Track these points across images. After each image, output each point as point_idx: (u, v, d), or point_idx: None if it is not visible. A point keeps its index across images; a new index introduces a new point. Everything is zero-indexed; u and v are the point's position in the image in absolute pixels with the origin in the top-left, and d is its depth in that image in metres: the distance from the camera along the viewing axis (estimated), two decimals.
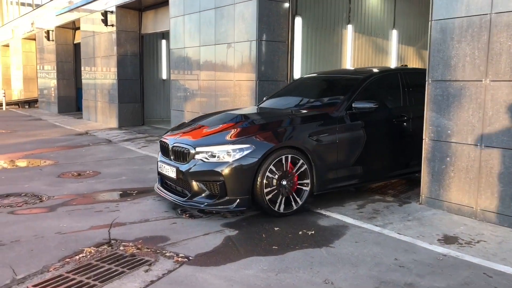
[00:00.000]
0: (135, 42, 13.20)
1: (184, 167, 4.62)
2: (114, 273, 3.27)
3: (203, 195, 4.55)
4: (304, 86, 6.38)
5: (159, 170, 5.12)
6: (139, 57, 13.31)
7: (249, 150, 4.44)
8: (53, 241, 3.89)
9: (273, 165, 4.49)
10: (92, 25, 14.61)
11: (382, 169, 5.48)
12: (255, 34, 7.47)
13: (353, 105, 5.07)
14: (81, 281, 3.13)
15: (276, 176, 4.52)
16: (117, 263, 3.45)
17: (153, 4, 12.38)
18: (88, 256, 3.57)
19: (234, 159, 4.40)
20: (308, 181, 4.73)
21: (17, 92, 27.15)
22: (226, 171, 4.39)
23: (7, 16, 30.52)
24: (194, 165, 4.55)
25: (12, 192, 5.59)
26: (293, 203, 4.67)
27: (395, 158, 5.57)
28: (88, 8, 14.61)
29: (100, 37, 14.00)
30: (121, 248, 3.74)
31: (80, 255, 3.57)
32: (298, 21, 10.70)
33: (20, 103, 24.48)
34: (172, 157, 4.87)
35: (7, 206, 4.97)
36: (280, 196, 4.58)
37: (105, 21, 12.94)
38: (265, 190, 4.46)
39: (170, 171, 4.82)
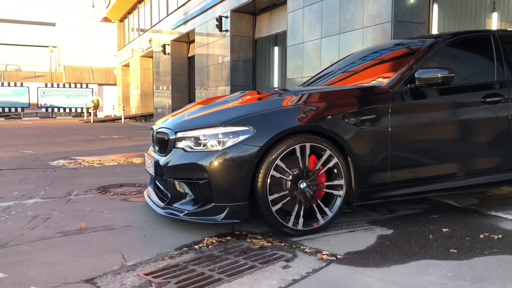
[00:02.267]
0: (249, 47, 12.92)
1: (162, 161, 3.28)
2: (243, 267, 2.54)
3: (185, 199, 3.21)
4: (358, 59, 4.56)
5: (145, 166, 3.84)
6: (252, 63, 12.99)
7: (246, 134, 2.99)
8: (168, 228, 3.30)
9: (282, 159, 3.02)
10: (206, 34, 14.69)
11: (462, 174, 3.60)
12: (390, 15, 6.52)
13: (416, 75, 3.37)
14: (202, 273, 2.44)
15: (289, 175, 3.07)
16: (244, 256, 2.72)
17: (267, 6, 12.01)
18: (210, 246, 2.90)
19: (224, 147, 3.00)
20: (341, 182, 3.18)
21: (135, 109, 28.82)
22: (212, 165, 2.98)
23: (128, 38, 32.84)
24: (173, 157, 3.20)
25: (126, 182, 5.24)
26: (318, 215, 3.13)
27: (482, 157, 3.68)
28: (202, 17, 14.75)
29: (213, 44, 13.99)
30: (248, 240, 3.02)
31: (200, 245, 2.92)
32: (435, 8, 9.51)
33: (137, 117, 25.91)
34: (156, 147, 3.57)
35: (120, 194, 4.58)
36: (297, 206, 3.09)
37: (219, 27, 12.86)
38: (270, 197, 3.01)
39: (150, 167, 3.50)
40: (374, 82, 3.65)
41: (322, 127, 3.12)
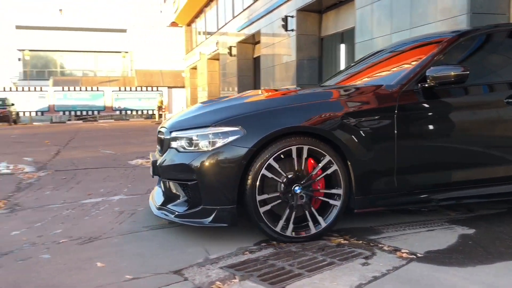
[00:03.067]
0: (315, 46, 12.88)
1: (159, 161, 3.24)
2: (322, 263, 2.58)
3: (178, 200, 3.17)
4: (374, 58, 4.27)
5: None
6: (318, 62, 12.94)
7: (236, 135, 2.90)
8: (246, 224, 3.39)
9: (274, 160, 2.88)
10: (272, 34, 14.82)
11: (482, 181, 3.28)
12: (465, 7, 6.26)
13: (427, 73, 3.11)
14: (283, 268, 2.51)
15: (282, 177, 2.93)
16: (322, 252, 2.76)
17: (334, 4, 11.91)
18: (287, 243, 2.95)
19: (213, 147, 2.92)
20: (339, 191, 2.99)
21: None
22: (200, 166, 2.91)
23: (195, 41, 33.78)
24: (167, 157, 3.15)
25: None
26: (310, 224, 2.96)
27: (506, 164, 3.32)
28: (268, 17, 14.89)
29: (279, 44, 14.08)
30: (324, 237, 3.04)
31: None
32: None
33: None
34: (158, 147, 3.51)
35: None
36: (287, 210, 2.94)
37: (285, 26, 12.93)
38: (259, 198, 2.90)
39: (150, 166, 3.47)
40: (383, 81, 3.44)
41: (317, 128, 2.96)
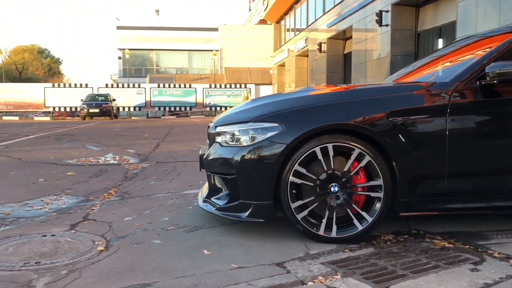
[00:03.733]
0: (410, 41, 12.40)
1: (205, 155, 3.28)
2: (427, 266, 2.50)
3: (221, 193, 3.20)
4: (449, 48, 3.92)
5: None
6: (413, 57, 12.43)
7: (274, 131, 2.88)
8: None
9: (309, 159, 2.86)
10: (364, 30, 14.48)
11: None
12: None
13: (486, 69, 2.84)
14: (385, 267, 2.47)
15: (319, 176, 2.87)
16: (426, 255, 2.68)
17: None
18: (388, 243, 2.91)
19: (252, 143, 2.92)
20: (379, 182, 2.86)
21: None
22: (238, 160, 2.93)
23: (284, 39, 33.97)
24: (212, 152, 3.19)
25: None
26: (355, 221, 2.87)
27: None
28: (360, 12, 14.58)
29: (372, 40, 13.73)
30: (427, 240, 2.95)
31: (378, 240, 2.95)
32: None
33: None
34: (208, 142, 3.49)
35: None
36: (327, 211, 2.88)
37: (379, 22, 12.59)
38: (291, 179, 2.87)
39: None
40: (440, 77, 3.21)
41: (358, 126, 2.85)
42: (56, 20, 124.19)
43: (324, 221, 2.89)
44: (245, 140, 2.98)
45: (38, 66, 65.92)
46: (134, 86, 32.28)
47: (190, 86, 32.87)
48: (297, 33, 28.10)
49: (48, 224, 3.38)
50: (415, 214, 2.97)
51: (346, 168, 2.90)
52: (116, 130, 15.10)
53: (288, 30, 31.96)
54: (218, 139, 3.16)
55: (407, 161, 2.89)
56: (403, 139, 2.87)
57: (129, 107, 31.46)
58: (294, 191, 2.91)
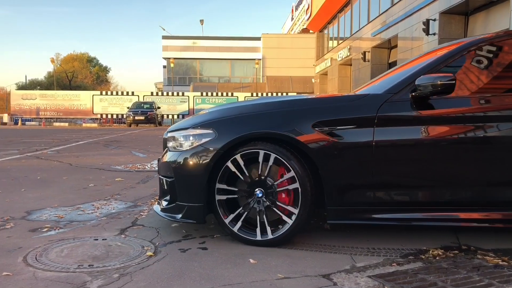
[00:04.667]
0: None
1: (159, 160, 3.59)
2: (480, 284, 2.43)
3: (167, 196, 3.36)
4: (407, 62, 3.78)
5: None
6: None
7: (208, 137, 3.07)
8: (390, 235, 3.34)
9: (238, 164, 3.02)
10: (410, 39, 14.22)
11: (477, 204, 2.95)
12: None
13: (416, 82, 2.87)
14: (435, 283, 2.42)
15: (247, 176, 3.04)
16: (478, 272, 2.59)
17: (483, 5, 11.02)
18: (437, 258, 2.84)
19: (188, 148, 3.14)
20: (295, 210, 2.96)
21: None
22: (176, 165, 3.16)
23: (326, 47, 33.81)
24: (163, 156, 3.43)
25: None
26: (257, 230, 3.01)
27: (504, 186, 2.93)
28: (406, 21, 14.33)
29: (418, 49, 13.46)
30: (479, 256, 2.86)
31: (426, 255, 2.88)
32: None
33: None
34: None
35: None
36: (241, 207, 3.06)
37: (426, 30, 12.33)
38: (219, 186, 3.06)
39: None
40: (376, 89, 3.24)
41: (283, 134, 2.96)
42: (105, 29, 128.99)
43: (240, 222, 3.06)
44: (184, 145, 3.20)
45: (87, 74, 68.51)
46: (178, 95, 32.96)
47: (232, 95, 33.25)
48: (340, 42, 27.92)
49: (99, 228, 3.50)
50: (342, 223, 3.04)
51: (273, 176, 3.04)
52: (161, 138, 15.42)
53: (331, 39, 31.81)
54: (168, 144, 3.36)
55: (333, 171, 2.95)
56: (329, 149, 2.94)
57: (173, 115, 32.16)
58: (225, 196, 3.09)
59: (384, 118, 2.93)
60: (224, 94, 33.47)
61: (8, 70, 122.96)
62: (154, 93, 33.92)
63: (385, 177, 2.97)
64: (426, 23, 12.28)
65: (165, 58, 50.74)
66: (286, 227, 2.98)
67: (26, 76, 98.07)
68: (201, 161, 3.07)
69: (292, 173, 2.95)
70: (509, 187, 2.96)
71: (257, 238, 3.02)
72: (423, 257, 2.84)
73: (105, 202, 4.46)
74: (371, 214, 2.99)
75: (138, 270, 2.58)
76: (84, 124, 31.56)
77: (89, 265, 2.64)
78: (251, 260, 2.75)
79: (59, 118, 32.66)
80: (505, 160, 2.93)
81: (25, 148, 11.24)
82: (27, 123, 31.87)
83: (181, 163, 3.15)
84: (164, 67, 53.04)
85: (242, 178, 3.06)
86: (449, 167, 2.97)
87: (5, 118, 33.59)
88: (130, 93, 32.85)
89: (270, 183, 3.04)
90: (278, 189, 3.03)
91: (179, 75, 51.83)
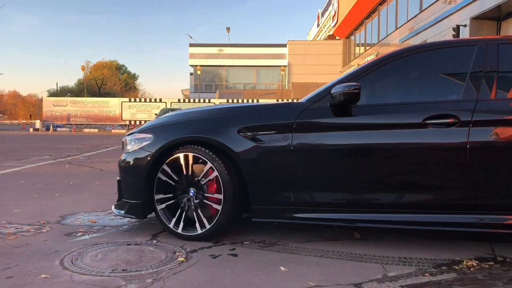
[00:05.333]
0: None
1: None
2: None
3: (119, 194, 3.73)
4: None
5: None
6: None
7: (148, 141, 3.43)
8: (420, 245, 3.29)
9: (168, 165, 3.35)
10: None
11: (388, 207, 3.08)
12: None
13: (332, 90, 3.08)
14: None
15: (178, 180, 3.36)
16: None
17: None
18: (471, 269, 2.78)
19: (132, 150, 3.52)
20: (220, 196, 3.21)
21: None
22: (122, 165, 3.56)
23: (353, 54, 33.59)
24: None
25: None
26: (197, 224, 3.28)
27: (418, 191, 3.08)
28: (435, 27, 14.13)
29: None
30: None
31: (460, 266, 2.83)
32: None
33: None
34: None
35: None
36: (179, 210, 3.33)
37: (456, 36, 12.11)
38: (157, 197, 3.38)
39: None
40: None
41: (210, 139, 3.26)
42: (133, 37, 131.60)
43: (174, 218, 3.34)
44: (128, 147, 3.57)
45: (116, 82, 69.89)
46: (204, 101, 33.26)
47: (257, 101, 33.34)
48: (367, 48, 27.70)
49: (131, 233, 3.57)
50: (265, 221, 3.29)
51: (200, 176, 3.31)
52: None
53: (358, 45, 31.60)
54: (126, 147, 3.67)
55: (255, 173, 3.20)
56: (251, 152, 3.19)
57: None
58: (164, 204, 3.39)
59: (302, 125, 3.15)
60: (250, 101, 33.60)
61: (40, 78, 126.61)
62: (181, 100, 34.33)
63: (304, 179, 3.18)
64: (456, 29, 12.07)
65: (192, 66, 51.32)
66: (219, 214, 3.23)
67: (57, 83, 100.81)
68: (140, 162, 3.40)
69: (216, 173, 3.23)
70: (413, 191, 3.09)
71: (198, 232, 3.28)
72: (457, 268, 2.79)
73: None
74: (293, 213, 3.20)
75: (171, 275, 2.62)
76: (113, 130, 32.18)
77: (122, 270, 2.69)
78: (282, 268, 2.76)
79: (89, 124, 33.39)
80: (413, 164, 3.07)
81: (57, 153, 11.54)
82: (58, 129, 32.70)
83: (125, 163, 3.53)
84: (191, 74, 53.63)
85: (173, 183, 3.38)
86: (361, 171, 3.13)
87: (38, 124, 34.53)
88: (157, 100, 33.34)
89: (201, 182, 3.32)
90: (206, 187, 3.31)
91: (205, 82, 52.30)
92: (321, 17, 54.08)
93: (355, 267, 2.80)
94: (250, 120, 3.29)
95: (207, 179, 3.28)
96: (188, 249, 3.12)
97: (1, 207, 4.55)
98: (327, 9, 47.04)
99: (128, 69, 75.13)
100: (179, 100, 33.97)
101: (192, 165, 3.31)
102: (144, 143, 3.44)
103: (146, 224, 3.86)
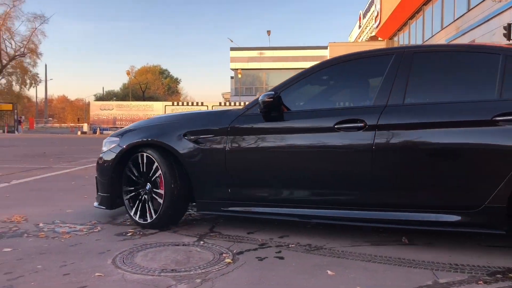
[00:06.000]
0: None
1: None
2: None
3: None
4: None
5: None
6: None
7: (115, 143, 4.08)
8: (473, 251, 3.18)
9: (132, 163, 3.93)
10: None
11: (309, 203, 3.44)
12: None
13: (259, 98, 3.47)
14: None
15: (138, 176, 3.91)
16: None
17: None
18: None
19: (104, 151, 4.17)
20: (161, 191, 3.71)
21: None
22: (98, 163, 4.21)
23: None
24: None
25: None
26: (147, 214, 3.81)
27: (330, 189, 3.37)
28: (484, 26, 13.66)
29: None
30: None
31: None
32: None
33: None
34: None
35: None
36: (137, 201, 3.90)
37: (507, 35, 11.68)
38: (124, 189, 3.99)
39: None
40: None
41: (161, 142, 3.77)
42: (176, 42, 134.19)
43: (134, 208, 3.90)
44: (104, 149, 4.17)
45: (159, 86, 71.52)
46: (245, 105, 33.45)
47: None
48: None
49: (179, 233, 3.64)
50: (208, 213, 3.89)
51: (150, 174, 3.81)
52: None
53: (401, 46, 30.99)
54: None
55: (198, 171, 3.69)
56: (193, 153, 3.68)
57: None
58: (128, 195, 3.96)
59: (235, 129, 3.60)
60: None
61: (87, 83, 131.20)
62: (222, 103, 34.70)
63: (237, 177, 3.60)
64: (508, 27, 11.59)
65: (232, 69, 51.74)
66: (161, 206, 3.70)
67: (103, 88, 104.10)
68: (108, 161, 4.03)
69: (160, 171, 3.73)
70: (340, 189, 3.33)
71: (148, 221, 3.78)
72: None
73: None
74: (229, 207, 3.63)
75: (219, 276, 2.66)
76: None
77: (172, 270, 2.76)
78: (329, 272, 2.74)
79: None
80: (327, 165, 3.37)
81: None
82: (104, 132, 33.78)
83: (98, 162, 4.16)
84: (232, 77, 54.08)
85: (135, 178, 3.92)
86: (284, 170, 3.49)
87: (85, 127, 35.84)
88: (199, 104, 33.85)
89: (152, 179, 3.80)
90: (157, 183, 3.77)
91: (246, 85, 52.59)
92: (363, 18, 53.27)
93: (405, 272, 2.75)
94: (193, 125, 3.79)
95: (155, 176, 3.77)
96: (234, 251, 3.15)
97: (55, 207, 4.76)
98: (369, 10, 46.32)
99: (170, 74, 76.73)
100: (220, 103, 34.40)
101: (146, 164, 3.82)
102: (112, 146, 4.07)
103: (192, 226, 3.93)
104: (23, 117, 45.60)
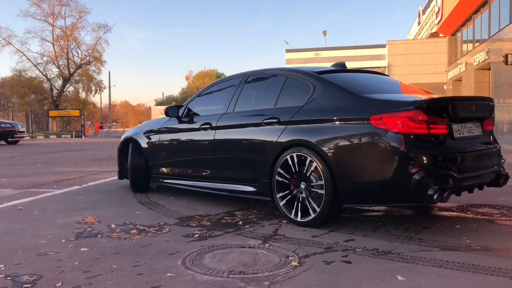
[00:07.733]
0: None
1: None
2: None
3: None
4: None
5: None
6: None
7: (123, 134, 6.79)
8: None
9: (126, 148, 6.32)
10: None
11: (207, 178, 5.16)
12: None
13: (179, 111, 5.70)
14: None
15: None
16: None
17: None
18: None
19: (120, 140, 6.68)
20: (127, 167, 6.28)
21: None
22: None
23: (460, 51, 31.53)
24: None
25: (485, 203, 5.01)
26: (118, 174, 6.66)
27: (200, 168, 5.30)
28: None
29: None
30: None
31: None
32: None
33: None
34: None
35: (483, 214, 4.41)
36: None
37: None
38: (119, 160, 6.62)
39: None
40: None
41: (133, 138, 6.15)
42: (232, 46, 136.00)
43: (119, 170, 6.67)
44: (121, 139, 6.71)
45: None
46: None
47: None
48: (476, 45, 25.83)
49: (243, 236, 3.69)
50: (156, 184, 6.05)
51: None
52: None
53: (465, 42, 29.57)
54: None
55: (149, 156, 5.87)
56: (147, 145, 5.92)
57: None
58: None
59: (164, 128, 5.78)
60: None
61: (148, 88, 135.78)
62: None
63: (166, 159, 5.69)
64: None
65: None
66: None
67: (163, 93, 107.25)
68: (118, 145, 6.60)
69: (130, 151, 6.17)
70: (224, 169, 4.90)
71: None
72: None
73: (245, 211, 4.68)
74: (164, 179, 5.72)
75: (286, 279, 2.66)
76: None
77: (240, 272, 2.80)
78: (399, 277, 2.67)
79: None
80: (196, 152, 5.30)
81: None
82: None
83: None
84: None
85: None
86: (189, 155, 5.41)
87: None
88: None
89: None
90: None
91: None
92: (422, 15, 51.46)
93: (480, 280, 2.63)
94: (148, 127, 6.09)
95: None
96: (300, 254, 3.15)
97: (125, 208, 4.96)
98: (429, 6, 44.68)
99: None
100: None
101: (130, 150, 6.13)
102: (123, 136, 6.59)
103: (256, 227, 3.97)
104: (89, 122, 48.01)
